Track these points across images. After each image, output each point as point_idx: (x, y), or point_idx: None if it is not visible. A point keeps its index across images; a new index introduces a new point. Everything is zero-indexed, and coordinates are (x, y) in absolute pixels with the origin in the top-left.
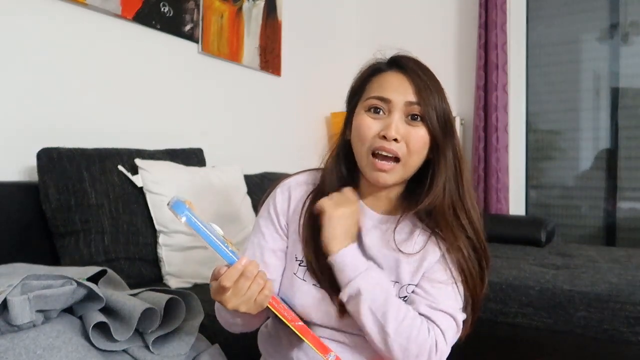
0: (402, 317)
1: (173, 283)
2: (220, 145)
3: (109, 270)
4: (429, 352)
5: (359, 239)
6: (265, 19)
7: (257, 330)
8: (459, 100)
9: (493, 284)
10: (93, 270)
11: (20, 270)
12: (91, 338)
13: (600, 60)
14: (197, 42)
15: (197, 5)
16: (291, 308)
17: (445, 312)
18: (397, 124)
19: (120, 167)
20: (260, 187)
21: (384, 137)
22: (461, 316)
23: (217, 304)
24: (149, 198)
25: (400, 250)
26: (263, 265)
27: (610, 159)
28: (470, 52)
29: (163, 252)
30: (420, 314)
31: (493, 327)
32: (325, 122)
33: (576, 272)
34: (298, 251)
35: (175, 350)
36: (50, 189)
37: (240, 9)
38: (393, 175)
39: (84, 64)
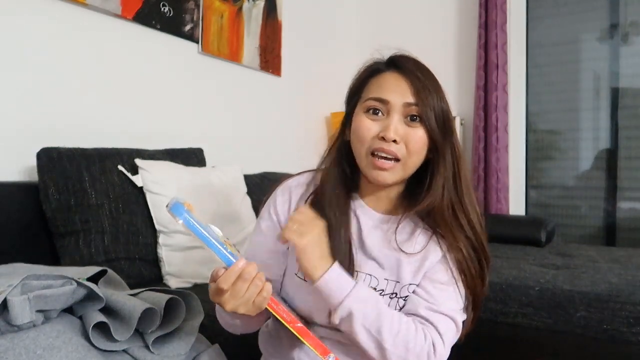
0: (396, 329)
1: (173, 283)
2: (220, 145)
3: (109, 270)
4: (427, 357)
5: (360, 238)
6: (265, 19)
7: (258, 330)
8: (459, 100)
9: (493, 284)
10: (93, 270)
11: (20, 270)
12: (91, 338)
13: (600, 60)
14: (197, 42)
15: (197, 5)
16: (293, 308)
17: (445, 315)
18: (396, 126)
19: (120, 167)
20: (260, 187)
21: (383, 139)
22: (461, 317)
23: (217, 305)
24: (149, 198)
25: (401, 250)
26: (264, 266)
27: (610, 159)
28: (470, 52)
29: (163, 252)
30: (419, 316)
31: (493, 327)
32: (325, 122)
33: (576, 272)
34: None
35: (175, 350)
36: (50, 189)
37: (240, 9)
38: (393, 174)
39: (84, 64)
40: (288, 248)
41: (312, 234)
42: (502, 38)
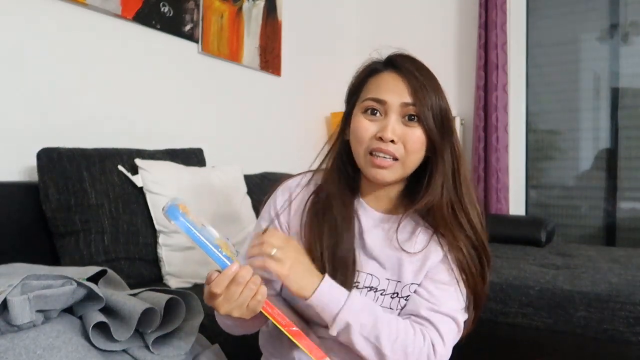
0: (394, 334)
1: (173, 283)
2: (220, 145)
3: (109, 270)
4: (427, 358)
5: (360, 238)
6: (265, 19)
7: (258, 330)
8: (459, 100)
9: (493, 284)
10: (93, 270)
11: (20, 270)
12: (91, 338)
13: (600, 60)
14: (197, 42)
15: (197, 5)
16: (294, 308)
17: (446, 315)
18: (394, 126)
19: (120, 167)
20: (260, 187)
21: (381, 139)
22: (462, 317)
23: None
24: (149, 198)
25: (403, 250)
26: None
27: (610, 159)
28: (470, 52)
29: (163, 252)
30: (420, 316)
31: (493, 327)
32: (325, 122)
33: (576, 272)
34: None
35: (175, 350)
36: (50, 189)
37: (240, 9)
38: (392, 172)
39: (84, 64)
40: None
41: (291, 257)
42: (502, 38)
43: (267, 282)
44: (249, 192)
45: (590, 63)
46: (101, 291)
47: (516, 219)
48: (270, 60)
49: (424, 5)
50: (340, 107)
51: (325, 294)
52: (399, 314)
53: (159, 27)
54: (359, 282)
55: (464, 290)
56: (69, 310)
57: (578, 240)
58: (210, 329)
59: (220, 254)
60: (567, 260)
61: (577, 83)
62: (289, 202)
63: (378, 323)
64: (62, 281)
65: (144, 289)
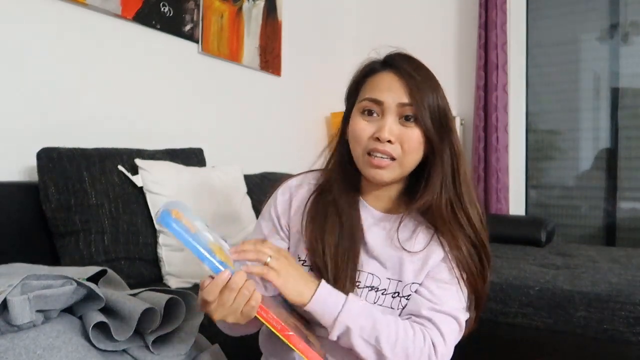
0: (394, 336)
1: (173, 283)
2: (220, 145)
3: (109, 270)
4: (428, 358)
5: (362, 238)
6: (265, 19)
7: (258, 330)
8: (459, 100)
9: (493, 284)
10: (93, 270)
11: (20, 270)
12: (91, 338)
13: (600, 60)
14: (197, 42)
15: (197, 5)
16: (294, 308)
17: (447, 314)
18: (391, 126)
19: (120, 167)
20: (260, 187)
21: (378, 139)
22: (464, 316)
23: None
24: (149, 198)
25: (404, 249)
26: None
27: (610, 159)
28: (470, 52)
29: (163, 252)
30: (422, 316)
31: (493, 327)
32: (325, 122)
33: (576, 272)
34: (300, 251)
35: (175, 350)
36: (50, 189)
37: (240, 9)
38: (390, 172)
39: (84, 64)
40: (289, 248)
41: (284, 265)
42: (502, 38)
43: (267, 281)
44: (249, 192)
45: (590, 63)
46: (101, 291)
47: (516, 219)
48: (270, 60)
49: (424, 5)
50: (340, 107)
51: (323, 299)
52: (400, 314)
53: (159, 27)
54: (359, 282)
55: (465, 290)
56: (69, 310)
57: (578, 240)
58: (210, 329)
59: (213, 259)
60: (567, 260)
61: (577, 83)
62: (290, 202)
63: (377, 325)
64: (62, 281)
65: (144, 289)
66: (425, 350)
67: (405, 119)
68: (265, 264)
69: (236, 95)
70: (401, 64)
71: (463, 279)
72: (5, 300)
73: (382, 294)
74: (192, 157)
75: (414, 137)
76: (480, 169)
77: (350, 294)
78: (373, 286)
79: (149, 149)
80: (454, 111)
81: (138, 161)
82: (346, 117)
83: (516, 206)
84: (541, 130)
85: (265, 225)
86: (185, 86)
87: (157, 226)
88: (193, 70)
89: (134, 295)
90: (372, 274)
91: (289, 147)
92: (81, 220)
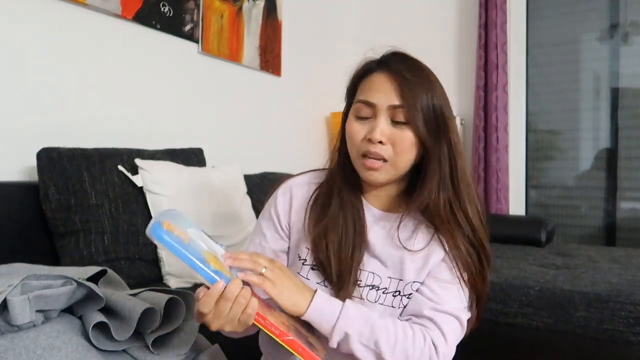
0: (393, 339)
1: (173, 283)
2: (220, 145)
3: (109, 270)
4: (429, 358)
5: (365, 234)
6: (265, 19)
7: (258, 331)
8: (459, 100)
9: (493, 284)
10: (93, 270)
11: (20, 270)
12: (91, 338)
13: (600, 60)
14: (197, 42)
15: (197, 5)
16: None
17: (449, 314)
18: (382, 127)
19: (120, 167)
20: (260, 187)
21: (370, 141)
22: (466, 316)
23: None
24: (149, 198)
25: (404, 248)
26: None
27: (610, 159)
28: (470, 52)
29: (163, 252)
30: (424, 317)
31: (493, 327)
32: (325, 122)
33: (576, 272)
34: (302, 250)
35: (175, 350)
36: (50, 189)
37: (240, 9)
38: (383, 174)
39: (84, 64)
40: (289, 248)
41: (279, 276)
42: (502, 38)
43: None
44: (249, 192)
45: (590, 63)
46: (101, 291)
47: (516, 219)
48: (270, 60)
49: (424, 5)
50: (340, 107)
51: (319, 308)
52: (401, 313)
53: (159, 27)
54: (360, 280)
55: (466, 289)
56: (69, 310)
57: (578, 240)
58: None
59: (207, 269)
60: (567, 260)
61: (577, 83)
62: (290, 202)
63: (376, 329)
64: (62, 281)
65: (144, 289)
66: (425, 350)
67: (396, 120)
68: (260, 274)
69: (236, 95)
70: (394, 65)
71: (463, 278)
72: (5, 300)
73: (383, 292)
74: (192, 157)
75: (405, 138)
76: (480, 169)
77: (347, 300)
78: (374, 285)
79: (149, 149)
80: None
81: (138, 161)
82: (345, 117)
83: (516, 206)
84: (541, 130)
85: (266, 225)
86: (185, 86)
87: (149, 237)
88: (193, 70)
89: (134, 295)
90: (373, 273)
91: (289, 147)
92: (81, 220)
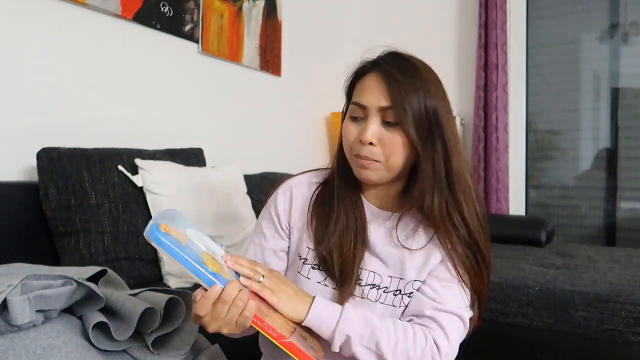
0: (394, 340)
1: (173, 283)
2: (220, 145)
3: (109, 270)
4: (431, 358)
5: (366, 229)
6: (265, 19)
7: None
8: (459, 100)
9: (493, 284)
10: (93, 270)
11: (20, 270)
12: (91, 338)
13: (600, 60)
14: (197, 42)
15: (197, 5)
16: None
17: (452, 313)
18: (373, 128)
19: (120, 167)
20: (260, 187)
21: (361, 142)
22: (468, 314)
23: None
24: (149, 198)
25: (404, 247)
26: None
27: (610, 159)
28: (470, 52)
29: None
30: (425, 316)
31: (493, 327)
32: (325, 122)
33: (576, 272)
34: (302, 250)
35: (175, 350)
36: (50, 189)
37: (240, 9)
38: (375, 174)
39: (84, 64)
40: (290, 247)
41: (277, 283)
42: (502, 38)
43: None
44: (249, 192)
45: (590, 63)
46: (101, 291)
47: (516, 219)
48: (270, 60)
49: (424, 5)
50: (340, 107)
51: (319, 313)
52: (402, 312)
53: (159, 27)
54: (361, 280)
55: (467, 288)
56: (69, 310)
57: (578, 240)
58: None
59: (205, 271)
60: (567, 260)
61: (577, 83)
62: (290, 202)
63: (376, 331)
64: (62, 281)
65: (144, 289)
66: (427, 350)
67: (386, 121)
68: (259, 282)
69: (236, 95)
70: (386, 65)
71: (463, 279)
72: (5, 300)
73: (384, 291)
74: (192, 157)
75: (395, 139)
76: (480, 169)
77: (347, 304)
78: (375, 284)
79: (149, 149)
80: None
81: (138, 161)
82: (343, 117)
83: (516, 206)
84: (541, 130)
85: (266, 225)
86: (185, 86)
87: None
88: (193, 70)
89: (134, 295)
90: (374, 272)
91: (289, 147)
92: (81, 220)
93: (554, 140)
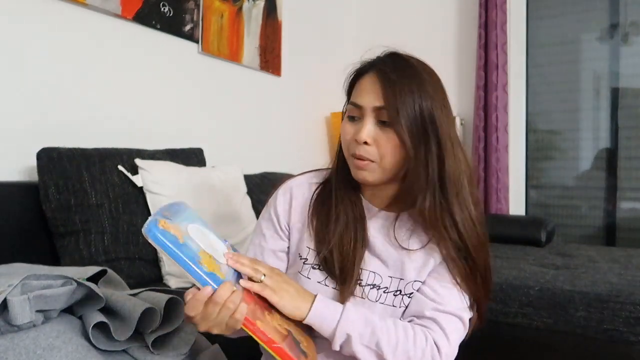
0: (394, 340)
1: (173, 283)
2: (220, 145)
3: (109, 270)
4: (431, 358)
5: (366, 227)
6: (265, 19)
7: None
8: (459, 100)
9: (493, 284)
10: (93, 270)
11: (20, 270)
12: (91, 338)
13: (600, 60)
14: (197, 42)
15: (197, 5)
16: None
17: (451, 314)
18: (368, 128)
19: (120, 167)
20: (260, 187)
21: (356, 142)
22: (468, 315)
23: None
24: (149, 198)
25: (403, 247)
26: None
27: (610, 159)
28: (470, 52)
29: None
30: (425, 317)
31: (493, 327)
32: (325, 122)
33: (576, 272)
34: (302, 250)
35: (175, 350)
36: (50, 189)
37: (240, 9)
38: (370, 174)
39: (84, 64)
40: (290, 248)
41: (278, 282)
42: (502, 38)
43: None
44: (249, 192)
45: (590, 63)
46: (101, 291)
47: (516, 219)
48: (270, 60)
49: (424, 5)
50: (340, 107)
51: (320, 312)
52: (403, 312)
53: (159, 27)
54: (361, 280)
55: (463, 290)
56: (69, 310)
57: (578, 240)
58: None
59: (199, 270)
60: (567, 260)
61: (577, 83)
62: (290, 202)
63: (377, 330)
64: (62, 281)
65: (144, 289)
66: (427, 351)
67: (381, 122)
68: (260, 281)
69: (236, 95)
70: (384, 66)
71: (457, 281)
72: (5, 300)
73: (384, 292)
74: (192, 157)
75: (390, 139)
76: (480, 169)
77: (348, 303)
78: (375, 284)
79: (149, 149)
80: (454, 111)
81: (138, 161)
82: (343, 117)
83: (516, 206)
84: (541, 130)
85: (265, 225)
86: (185, 86)
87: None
88: (193, 70)
89: (134, 295)
90: (374, 272)
91: (289, 147)
92: (81, 220)
93: (554, 140)
